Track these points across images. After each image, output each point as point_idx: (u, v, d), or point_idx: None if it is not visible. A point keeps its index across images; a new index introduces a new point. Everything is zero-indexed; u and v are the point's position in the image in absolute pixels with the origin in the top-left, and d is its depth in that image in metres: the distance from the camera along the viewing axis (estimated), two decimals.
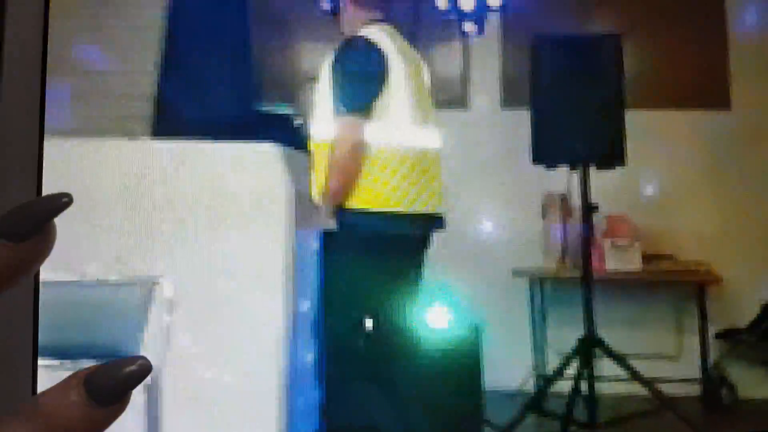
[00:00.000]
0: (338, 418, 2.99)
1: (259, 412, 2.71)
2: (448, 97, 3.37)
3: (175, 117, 3.32)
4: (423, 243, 3.01)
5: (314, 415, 2.97)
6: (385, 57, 2.93)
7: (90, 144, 2.89)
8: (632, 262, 3.45)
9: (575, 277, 3.38)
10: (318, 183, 2.98)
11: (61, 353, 2.21)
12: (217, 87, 3.43)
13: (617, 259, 3.43)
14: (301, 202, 2.98)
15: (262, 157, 2.93)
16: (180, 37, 3.51)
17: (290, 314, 2.77)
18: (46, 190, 2.57)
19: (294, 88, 3.68)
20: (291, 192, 2.90)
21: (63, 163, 2.80)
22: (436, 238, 3.01)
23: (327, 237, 2.95)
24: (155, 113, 3.35)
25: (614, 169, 3.28)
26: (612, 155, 3.28)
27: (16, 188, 2.18)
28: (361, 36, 2.97)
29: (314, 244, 3.03)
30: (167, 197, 2.85)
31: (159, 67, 3.49)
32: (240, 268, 2.84)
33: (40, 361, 2.24)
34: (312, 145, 3.02)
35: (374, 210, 2.92)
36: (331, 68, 2.96)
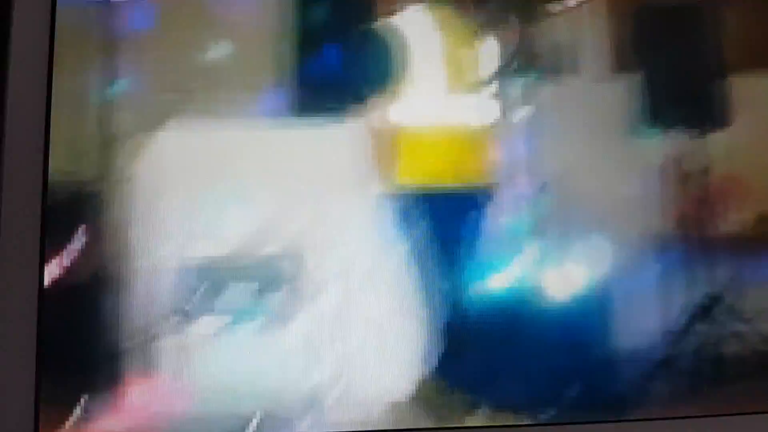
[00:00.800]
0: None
1: None
2: (557, 63, 3.47)
3: None
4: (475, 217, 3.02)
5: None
6: (407, 38, 3.03)
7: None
8: (749, 222, 3.52)
9: (694, 239, 3.47)
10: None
11: None
12: None
13: (734, 220, 3.51)
14: None
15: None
16: None
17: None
18: (150, 175, 2.79)
19: None
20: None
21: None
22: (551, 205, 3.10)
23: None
24: None
25: (724, 131, 3.38)
26: (721, 117, 3.39)
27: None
28: (392, 16, 3.04)
29: None
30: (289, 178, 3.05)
31: None
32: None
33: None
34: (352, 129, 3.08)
35: (422, 187, 2.98)
36: (356, 54, 3.06)
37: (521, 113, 3.17)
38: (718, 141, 3.43)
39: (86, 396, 2.64)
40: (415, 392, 2.93)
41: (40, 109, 2.47)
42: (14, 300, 2.36)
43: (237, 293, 2.53)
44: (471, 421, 2.94)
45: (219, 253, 2.62)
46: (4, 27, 2.49)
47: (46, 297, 2.49)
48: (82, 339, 2.79)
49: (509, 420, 2.91)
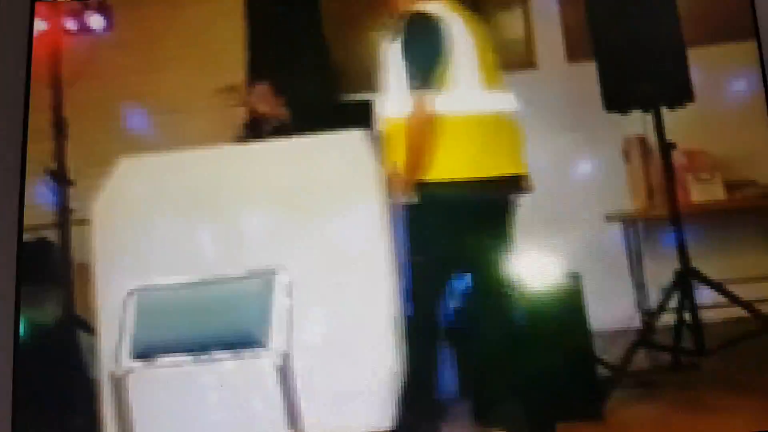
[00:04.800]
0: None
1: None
2: (517, 58, 3.52)
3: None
4: (504, 205, 3.07)
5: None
6: (448, 28, 3.01)
7: (185, 155, 3.19)
8: (716, 193, 3.58)
9: (663, 215, 3.53)
10: (394, 159, 3.06)
11: (196, 348, 2.50)
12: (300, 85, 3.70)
13: (701, 192, 3.57)
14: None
15: (350, 143, 3.19)
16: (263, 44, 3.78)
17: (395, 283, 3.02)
18: (168, 200, 2.90)
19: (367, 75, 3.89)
20: (382, 172, 3.15)
21: (165, 176, 3.12)
22: (528, 197, 3.17)
23: (410, 210, 3.03)
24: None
25: (685, 106, 3.42)
26: (681, 93, 3.42)
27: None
28: (422, 11, 3.04)
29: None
30: (267, 193, 3.13)
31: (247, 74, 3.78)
32: (344, 249, 3.11)
33: (177, 357, 2.53)
34: (385, 124, 3.12)
35: (452, 179, 2.99)
36: (401, 48, 3.03)
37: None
38: (680, 115, 3.47)
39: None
40: None
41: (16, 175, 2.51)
42: None
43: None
44: None
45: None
46: None
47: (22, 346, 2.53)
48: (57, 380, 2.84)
49: None
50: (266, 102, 3.72)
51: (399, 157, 3.03)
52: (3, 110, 2.59)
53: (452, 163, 2.99)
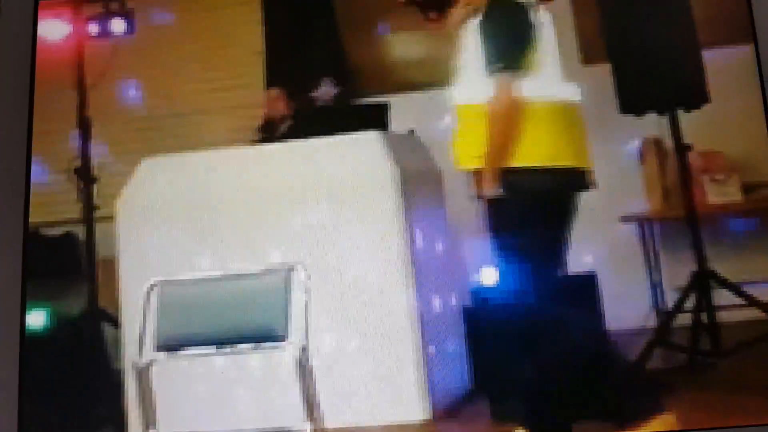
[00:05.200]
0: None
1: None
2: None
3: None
4: (574, 198, 2.98)
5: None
6: (533, 11, 2.93)
7: (205, 155, 3.26)
8: (733, 194, 3.59)
9: (680, 216, 3.55)
10: (468, 148, 2.94)
11: (217, 341, 2.54)
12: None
13: (717, 193, 3.59)
14: (410, 180, 3.23)
15: (365, 144, 3.23)
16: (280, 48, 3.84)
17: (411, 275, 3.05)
18: (187, 202, 2.96)
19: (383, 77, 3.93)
20: (397, 173, 3.19)
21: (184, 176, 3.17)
22: None
23: (492, 205, 2.89)
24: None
25: (700, 108, 3.45)
26: (696, 95, 3.45)
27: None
28: None
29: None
30: (284, 193, 3.18)
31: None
32: (360, 247, 3.15)
33: (199, 350, 2.57)
34: (457, 110, 2.99)
35: (540, 166, 2.88)
36: (480, 29, 2.93)
37: None
38: (697, 117, 3.50)
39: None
40: None
41: (21, 157, 2.55)
42: None
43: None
44: None
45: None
46: None
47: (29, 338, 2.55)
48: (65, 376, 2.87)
49: None
50: (278, 106, 3.78)
51: (478, 145, 2.89)
52: (8, 108, 2.64)
53: (538, 150, 2.87)
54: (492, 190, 2.87)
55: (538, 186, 2.88)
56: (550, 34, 2.98)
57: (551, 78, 2.96)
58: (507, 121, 2.85)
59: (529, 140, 2.87)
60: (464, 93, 2.99)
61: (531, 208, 2.88)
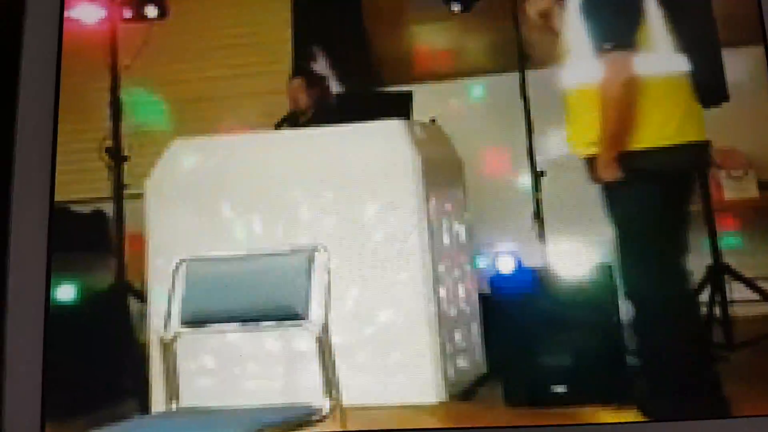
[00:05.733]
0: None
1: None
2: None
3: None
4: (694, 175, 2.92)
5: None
6: None
7: (233, 138, 3.33)
8: (749, 190, 3.62)
9: (696, 211, 3.58)
10: (582, 133, 2.85)
11: (241, 317, 2.62)
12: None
13: (734, 189, 3.61)
14: (431, 168, 3.29)
15: (389, 132, 3.29)
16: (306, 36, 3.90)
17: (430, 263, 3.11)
18: (213, 183, 3.06)
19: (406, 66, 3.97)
20: (419, 161, 3.24)
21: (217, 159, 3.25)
22: (560, 189, 3.22)
23: (610, 191, 2.81)
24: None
25: (720, 105, 3.47)
26: (716, 92, 3.47)
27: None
28: None
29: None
30: (309, 177, 3.26)
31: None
32: (381, 233, 3.22)
33: (223, 325, 2.65)
34: (567, 95, 2.89)
35: (660, 146, 2.78)
36: (581, 8, 2.83)
37: None
38: (716, 114, 3.51)
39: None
40: None
41: (47, 132, 2.62)
42: (21, 319, 2.50)
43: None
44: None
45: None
46: (13, 64, 2.68)
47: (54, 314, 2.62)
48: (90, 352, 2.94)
49: None
50: (301, 96, 3.85)
51: (592, 130, 2.79)
52: (36, 89, 2.71)
53: (660, 129, 2.77)
54: (612, 174, 2.77)
55: (664, 166, 2.77)
56: (655, 6, 2.87)
57: (663, 51, 2.85)
58: (624, 103, 2.73)
59: (649, 120, 2.76)
60: (572, 77, 2.87)
61: (655, 191, 2.77)
